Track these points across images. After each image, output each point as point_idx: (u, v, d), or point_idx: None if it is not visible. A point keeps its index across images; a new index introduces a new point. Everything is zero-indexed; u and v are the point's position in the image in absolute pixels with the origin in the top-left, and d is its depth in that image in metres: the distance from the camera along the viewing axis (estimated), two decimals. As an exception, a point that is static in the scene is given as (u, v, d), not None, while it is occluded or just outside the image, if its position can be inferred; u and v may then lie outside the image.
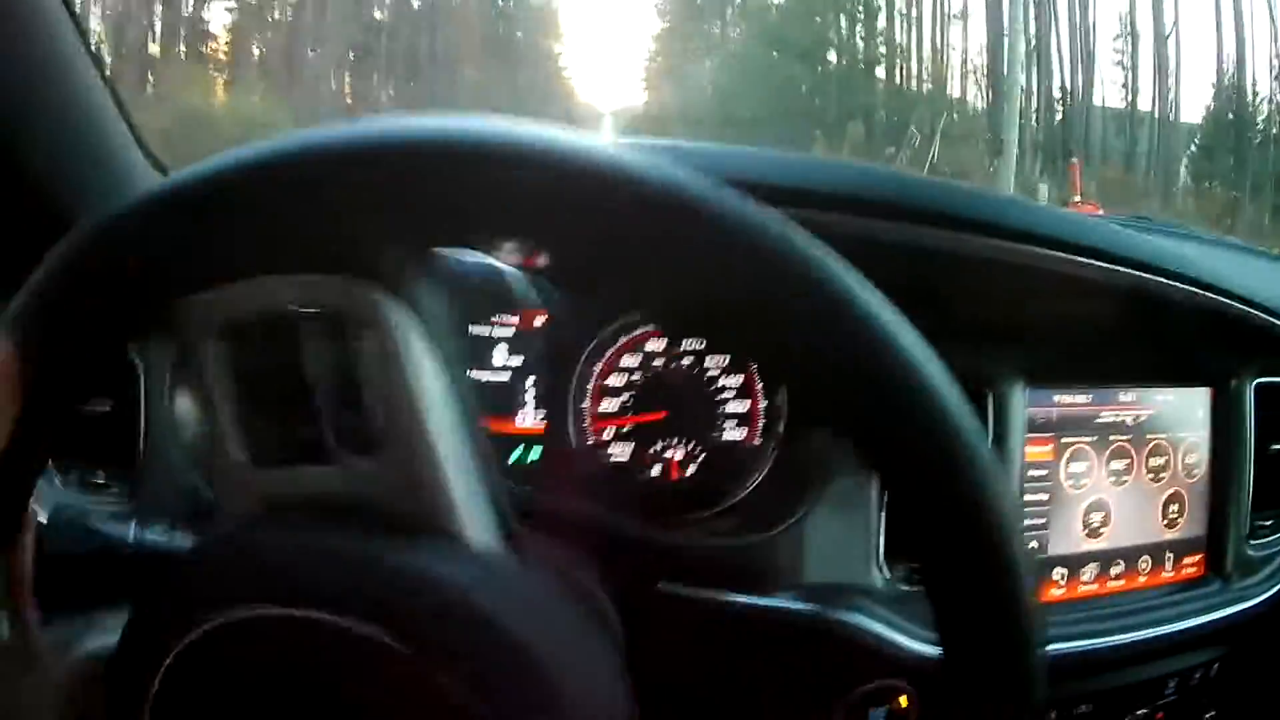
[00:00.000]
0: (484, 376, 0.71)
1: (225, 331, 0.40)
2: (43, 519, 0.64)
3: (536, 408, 0.71)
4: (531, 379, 0.70)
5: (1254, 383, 0.78)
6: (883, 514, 0.67)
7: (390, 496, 0.39)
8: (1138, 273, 0.67)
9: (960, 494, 0.31)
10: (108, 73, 0.84)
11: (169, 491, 0.70)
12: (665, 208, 0.30)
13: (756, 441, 0.69)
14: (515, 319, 0.70)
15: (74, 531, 0.66)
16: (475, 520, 0.39)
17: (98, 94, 0.83)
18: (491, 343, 0.70)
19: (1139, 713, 0.75)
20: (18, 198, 0.78)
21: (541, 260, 0.34)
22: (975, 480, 0.30)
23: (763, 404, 0.69)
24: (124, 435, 0.72)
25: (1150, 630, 0.73)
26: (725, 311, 0.31)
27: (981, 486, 0.31)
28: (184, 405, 0.72)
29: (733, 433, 0.69)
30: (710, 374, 0.69)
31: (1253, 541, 0.80)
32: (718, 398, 0.69)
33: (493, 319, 0.70)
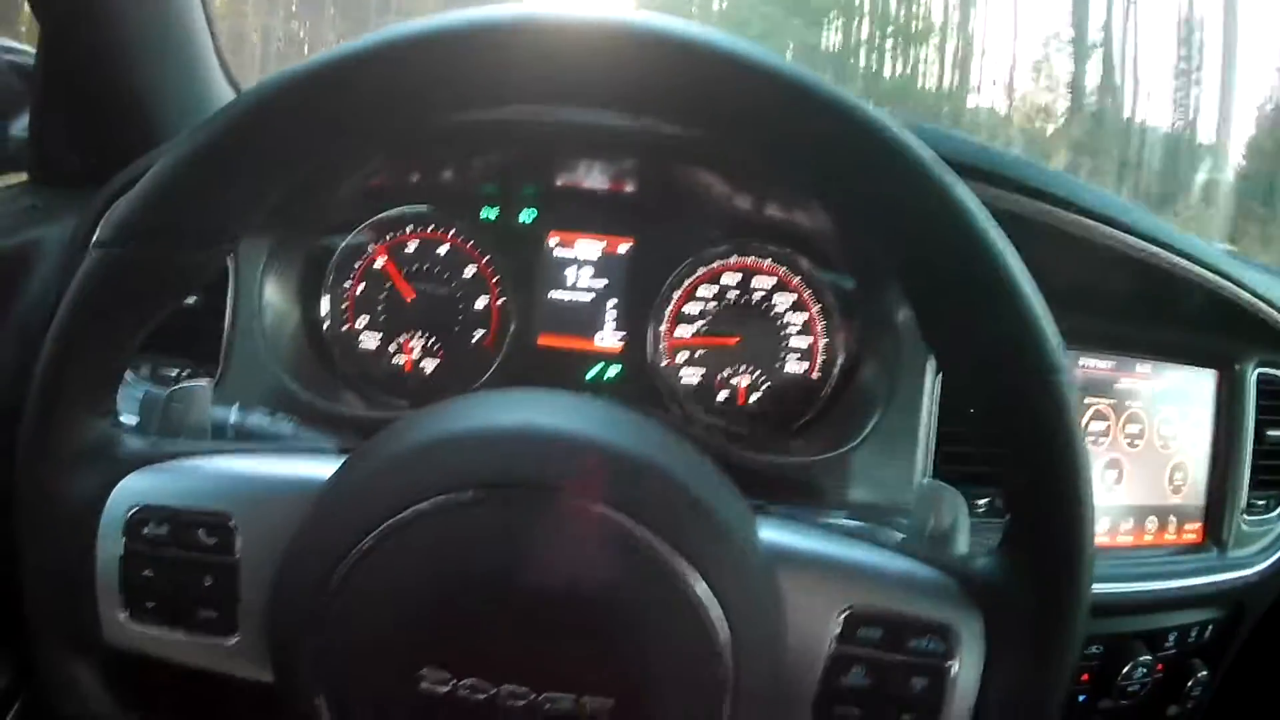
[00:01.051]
0: (567, 297, 0.77)
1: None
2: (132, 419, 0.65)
3: (616, 329, 0.76)
4: (612, 301, 0.76)
5: (1256, 370, 0.86)
6: (929, 443, 0.73)
7: None
8: (1161, 251, 0.75)
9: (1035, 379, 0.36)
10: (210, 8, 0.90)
11: (254, 382, 0.73)
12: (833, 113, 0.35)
13: (816, 375, 0.75)
14: (601, 244, 0.76)
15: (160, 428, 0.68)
16: None
17: (200, 25, 0.89)
18: (577, 264, 0.76)
19: (1141, 659, 0.81)
20: (120, 102, 0.83)
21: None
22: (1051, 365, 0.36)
23: (823, 340, 0.76)
24: (208, 329, 0.74)
25: (1153, 584, 0.79)
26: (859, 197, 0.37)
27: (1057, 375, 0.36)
28: (276, 299, 0.75)
29: (795, 365, 0.76)
30: (777, 310, 0.76)
31: (1248, 517, 0.87)
32: (783, 332, 0.76)
33: (578, 242, 0.76)
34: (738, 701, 0.37)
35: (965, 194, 0.36)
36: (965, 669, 0.40)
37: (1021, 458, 0.39)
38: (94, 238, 0.41)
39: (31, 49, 0.85)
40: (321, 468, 0.42)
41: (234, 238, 0.41)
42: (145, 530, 0.41)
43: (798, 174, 0.38)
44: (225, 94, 0.90)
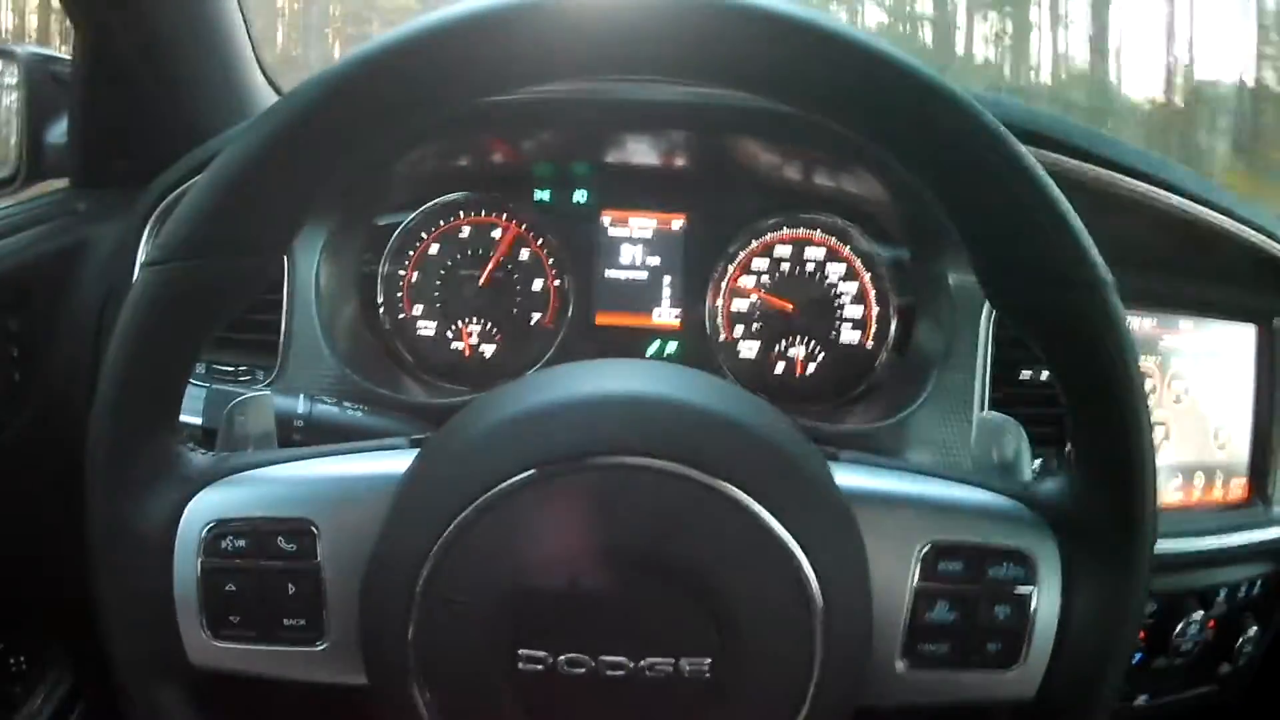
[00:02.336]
0: (623, 275, 0.77)
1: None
2: (195, 419, 0.63)
3: (672, 305, 0.77)
4: (668, 278, 0.77)
5: (1292, 324, 0.87)
6: (985, 403, 0.74)
7: None
8: (1201, 208, 0.76)
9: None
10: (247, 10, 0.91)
11: (314, 373, 0.73)
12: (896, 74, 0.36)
13: (870, 343, 0.76)
14: (653, 221, 0.77)
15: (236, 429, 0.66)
16: None
17: (238, 26, 0.90)
18: (631, 242, 0.77)
19: (1194, 616, 0.82)
20: (159, 104, 0.84)
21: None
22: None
23: (876, 308, 0.77)
24: (263, 321, 0.74)
25: (1203, 540, 0.80)
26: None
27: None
28: (332, 289, 0.75)
29: (850, 334, 0.77)
30: (830, 280, 0.77)
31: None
32: (837, 302, 0.77)
33: (632, 220, 0.76)
34: (829, 648, 0.37)
35: (1017, 145, 0.37)
36: (1045, 593, 0.41)
37: (1077, 376, 0.40)
38: (144, 257, 0.40)
39: (66, 56, 0.86)
40: (395, 463, 0.42)
41: (286, 241, 0.40)
42: (223, 544, 0.40)
43: (854, 131, 0.38)
44: (263, 91, 0.90)
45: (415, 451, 0.42)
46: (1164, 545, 0.78)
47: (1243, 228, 0.79)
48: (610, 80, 0.68)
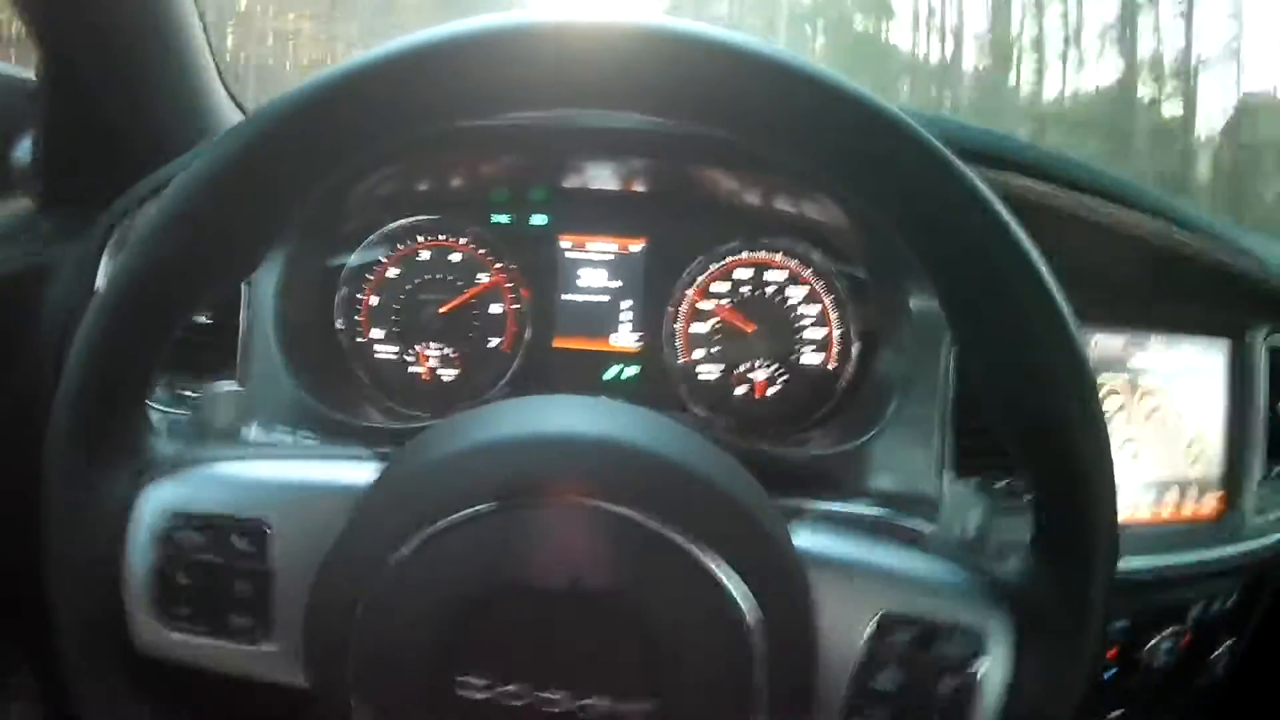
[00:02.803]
0: (581, 299, 0.77)
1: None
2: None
3: (632, 330, 0.77)
4: (627, 301, 0.76)
5: (1266, 339, 0.86)
6: (947, 431, 0.73)
7: None
8: (1169, 226, 0.75)
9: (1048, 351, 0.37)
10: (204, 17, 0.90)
11: (272, 397, 0.72)
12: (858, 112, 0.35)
13: (832, 365, 0.76)
14: (613, 245, 0.76)
15: (188, 434, 0.63)
16: None
17: (200, 45, 0.89)
18: (590, 266, 0.76)
19: (1166, 632, 0.81)
20: (123, 123, 0.84)
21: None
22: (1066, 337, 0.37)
23: (838, 330, 0.76)
24: (221, 344, 0.73)
25: (1174, 557, 0.80)
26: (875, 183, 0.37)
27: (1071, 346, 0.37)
28: (290, 313, 0.74)
29: (811, 357, 0.76)
30: (791, 302, 0.76)
31: (1264, 488, 0.87)
32: (798, 324, 0.76)
33: (591, 244, 0.76)
34: (774, 703, 0.37)
35: (977, 182, 0.36)
36: (994, 667, 0.40)
37: (1043, 450, 0.39)
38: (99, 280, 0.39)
39: (31, 74, 0.85)
40: (358, 473, 0.42)
41: (245, 271, 0.40)
42: (178, 536, 0.41)
43: (813, 167, 0.38)
44: (227, 109, 0.90)
45: (377, 464, 0.42)
46: (1136, 563, 0.77)
47: (1210, 244, 0.78)
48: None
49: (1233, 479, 0.86)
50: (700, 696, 0.37)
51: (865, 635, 0.40)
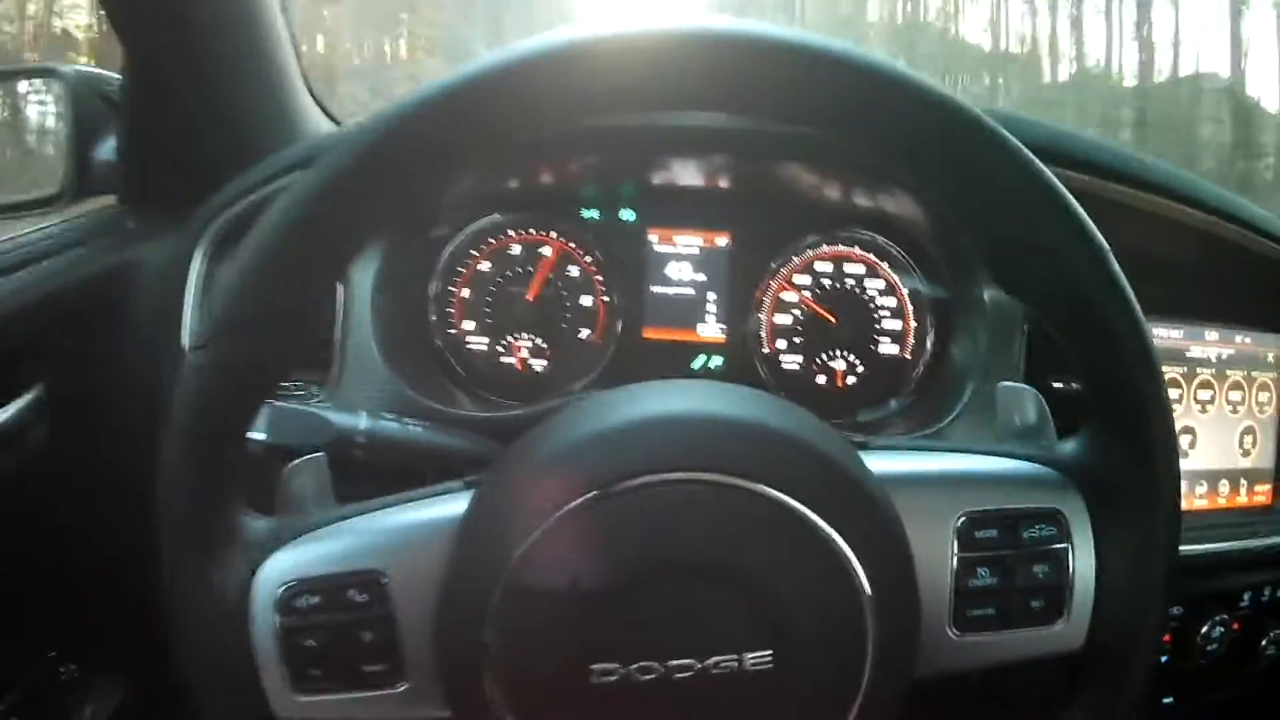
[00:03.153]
0: (669, 291, 0.80)
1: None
2: (260, 435, 0.63)
3: (717, 320, 0.79)
4: (713, 294, 0.79)
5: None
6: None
7: None
8: (1226, 222, 0.79)
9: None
10: (295, 29, 0.93)
11: (369, 390, 0.74)
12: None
13: (909, 355, 0.79)
14: (699, 239, 0.79)
15: (300, 427, 0.64)
16: None
17: (285, 46, 0.92)
18: (677, 259, 0.79)
19: (1219, 618, 0.84)
20: (208, 124, 0.86)
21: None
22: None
23: (914, 324, 0.79)
24: (320, 340, 0.74)
25: (1227, 544, 0.83)
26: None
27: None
28: (386, 308, 0.76)
29: (888, 347, 0.79)
30: (869, 295, 0.79)
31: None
32: (876, 316, 0.79)
33: (678, 238, 0.79)
34: (881, 627, 0.39)
35: (1043, 169, 0.39)
36: (1080, 547, 0.43)
37: (1089, 344, 0.42)
38: (192, 341, 0.40)
39: (115, 75, 0.87)
40: (453, 506, 0.43)
41: (330, 296, 0.42)
42: (298, 603, 0.42)
43: (892, 161, 0.40)
44: (310, 110, 0.92)
45: (470, 493, 0.43)
46: (1188, 549, 0.80)
47: (1263, 241, 0.82)
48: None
49: (1283, 471, 0.89)
50: (815, 636, 0.39)
51: (953, 539, 0.43)
